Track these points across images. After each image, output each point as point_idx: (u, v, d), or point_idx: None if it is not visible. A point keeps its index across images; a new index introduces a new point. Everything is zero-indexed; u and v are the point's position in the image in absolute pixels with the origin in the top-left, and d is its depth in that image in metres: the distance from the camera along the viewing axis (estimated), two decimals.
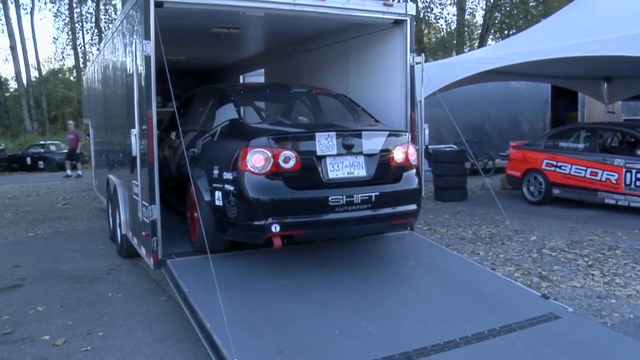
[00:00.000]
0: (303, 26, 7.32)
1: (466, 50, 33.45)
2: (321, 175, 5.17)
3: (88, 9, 41.61)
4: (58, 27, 53.31)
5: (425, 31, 37.87)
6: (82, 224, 10.44)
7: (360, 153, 5.35)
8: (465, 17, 37.41)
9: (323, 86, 7.42)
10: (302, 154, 5.12)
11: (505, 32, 34.76)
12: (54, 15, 40.95)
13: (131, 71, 5.84)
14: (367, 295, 4.98)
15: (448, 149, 13.57)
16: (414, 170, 5.76)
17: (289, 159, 5.04)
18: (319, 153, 5.17)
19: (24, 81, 39.02)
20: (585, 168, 10.80)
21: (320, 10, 5.96)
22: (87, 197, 14.39)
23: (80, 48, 42.05)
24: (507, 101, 18.02)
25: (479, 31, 38.31)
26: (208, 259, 5.43)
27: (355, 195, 5.16)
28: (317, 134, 5.24)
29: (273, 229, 4.94)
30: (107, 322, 5.16)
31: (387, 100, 6.68)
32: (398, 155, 5.57)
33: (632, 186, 10.08)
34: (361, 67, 7.36)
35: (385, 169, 5.48)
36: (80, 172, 20.39)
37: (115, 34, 7.17)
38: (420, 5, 34.28)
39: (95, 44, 40.36)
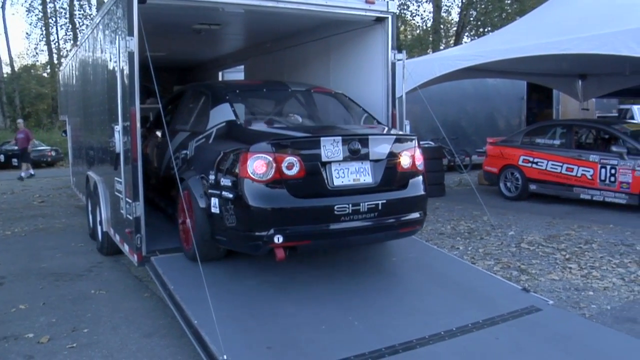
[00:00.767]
0: (284, 23, 7.34)
1: (442, 48, 33.68)
2: (326, 183, 4.89)
3: (62, 4, 40.98)
4: (31, 23, 52.27)
5: (402, 28, 38.06)
6: (60, 221, 10.35)
7: (367, 159, 5.09)
8: (441, 14, 37.66)
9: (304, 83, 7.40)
10: (307, 160, 4.81)
11: (481, 29, 35.07)
12: (26, 10, 40.15)
13: (113, 67, 5.83)
14: (353, 290, 5.03)
15: (426, 145, 13.69)
16: (421, 176, 5.50)
17: (292, 165, 4.74)
18: (324, 159, 4.87)
19: None
20: (561, 164, 10.99)
21: (302, 8, 5.98)
22: (64, 194, 14.26)
23: (54, 44, 41.47)
24: (484, 98, 18.21)
25: (455, 29, 38.56)
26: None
27: (361, 204, 4.89)
28: (322, 138, 4.93)
29: (276, 240, 4.66)
30: (91, 319, 5.14)
31: (369, 97, 6.73)
32: (405, 160, 5.32)
33: (607, 182, 10.29)
34: (342, 64, 7.40)
35: (391, 175, 5.23)
36: (31, 172, 19.74)
37: (95, 30, 7.12)
38: (397, 2, 34.38)
39: (70, 40, 39.86)
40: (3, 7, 39.92)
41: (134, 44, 5.16)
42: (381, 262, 5.85)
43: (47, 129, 35.38)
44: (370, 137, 5.20)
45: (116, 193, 6.10)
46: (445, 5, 38.06)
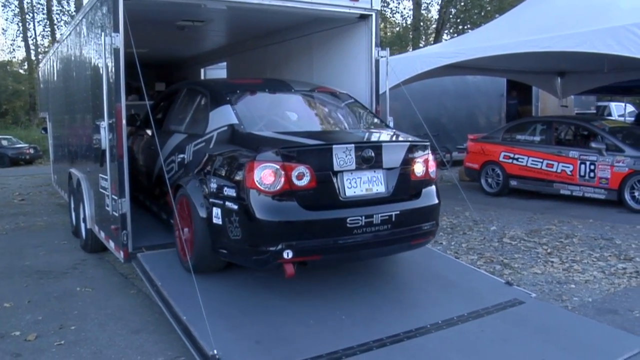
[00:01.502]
0: (267, 20, 7.34)
1: (422, 45, 33.87)
2: (338, 193, 4.58)
3: None
4: (7, 18, 51.79)
5: (382, 25, 38.14)
6: (41, 219, 10.27)
7: (379, 167, 4.78)
8: (421, 11, 37.80)
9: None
10: (318, 170, 4.49)
11: (461, 27, 35.28)
12: (2, 5, 39.60)
13: (98, 64, 5.81)
14: (340, 285, 5.08)
15: None
16: (434, 185, 5.23)
17: (302, 175, 4.42)
18: (336, 168, 4.55)
19: None
20: (541, 160, 11.14)
21: (286, 5, 5.98)
22: (44, 192, 14.14)
23: (32, 40, 40.97)
24: (464, 95, 18.35)
25: (435, 26, 38.74)
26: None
27: (375, 215, 4.61)
28: (334, 146, 4.60)
29: (285, 256, 4.36)
30: (78, 316, 5.13)
31: (352, 94, 6.73)
32: (418, 168, 5.02)
33: (586, 177, 10.45)
34: (326, 61, 7.43)
35: (405, 184, 4.93)
36: None
37: (78, 26, 7.08)
38: None
39: (48, 36, 39.40)
40: None
41: (119, 40, 5.16)
42: None
43: (25, 127, 34.97)
44: (383, 144, 4.98)
45: (101, 190, 6.08)
46: (425, 2, 38.13)
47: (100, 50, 5.42)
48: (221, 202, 4.65)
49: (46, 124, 13.11)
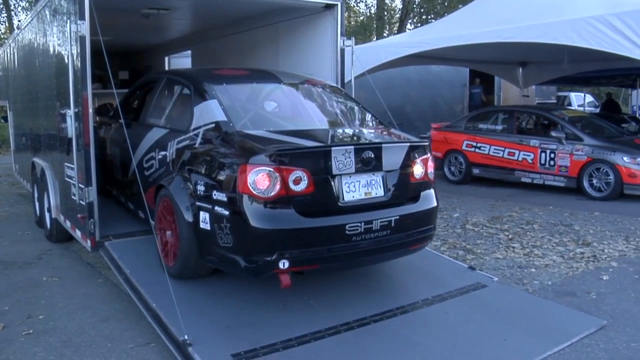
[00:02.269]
0: (233, 8, 7.36)
1: (386, 35, 34.02)
2: (336, 198, 4.32)
3: None
4: None
5: (346, 14, 38.17)
6: (3, 210, 10.10)
7: (379, 169, 4.53)
8: (385, 1, 37.94)
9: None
10: (316, 173, 4.22)
11: (424, 17, 35.50)
12: None
13: (62, 52, 5.76)
14: (308, 272, 5.14)
15: None
16: (432, 187, 5.02)
17: (300, 179, 4.13)
18: (334, 172, 4.28)
19: None
20: (503, 149, 11.38)
21: None
22: (4, 182, 13.87)
23: None
24: (427, 85, 18.54)
25: (399, 15, 38.92)
26: (147, 241, 5.50)
27: (374, 221, 4.36)
28: (333, 149, 4.33)
29: (280, 266, 4.09)
30: (45, 306, 5.11)
31: None
32: (418, 170, 4.79)
33: (547, 165, 10.72)
34: (292, 50, 7.47)
35: (404, 187, 4.71)
36: None
37: (41, 13, 6.98)
38: None
39: (4, 22, 38.44)
40: None
41: (85, 28, 5.12)
42: None
43: None
44: (383, 145, 4.68)
45: (67, 179, 6.03)
46: None
47: (65, 38, 5.37)
48: (209, 206, 4.36)
49: (6, 113, 12.86)
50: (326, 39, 6.81)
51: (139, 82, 7.14)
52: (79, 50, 5.18)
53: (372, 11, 38.67)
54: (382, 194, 4.55)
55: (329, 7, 6.64)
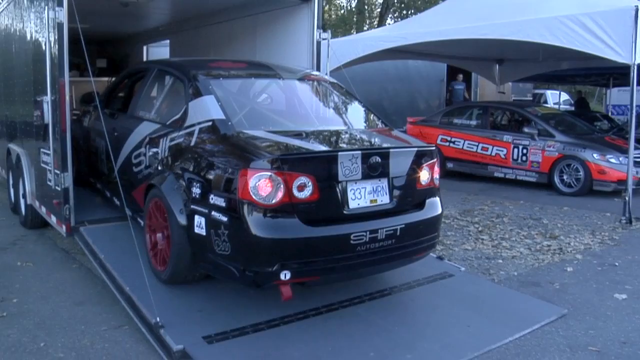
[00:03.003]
0: None
1: (366, 28, 34.11)
2: (341, 206, 4.09)
3: None
4: None
5: (326, 7, 38.20)
6: None
7: (385, 175, 4.30)
8: None
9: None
10: (321, 180, 3.98)
11: (405, 12, 35.64)
12: None
13: (39, 38, 5.78)
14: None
15: None
16: (438, 193, 4.82)
17: (304, 186, 3.88)
18: (340, 178, 4.04)
19: None
20: (477, 143, 11.58)
21: None
22: None
23: None
24: (405, 79, 18.68)
25: (379, 10, 39.02)
26: (121, 227, 5.56)
27: (379, 230, 4.13)
28: (340, 154, 4.10)
29: (282, 277, 3.85)
30: (20, 290, 5.14)
31: None
32: (424, 176, 4.56)
33: (519, 161, 10.94)
34: (269, 42, 7.55)
35: (410, 194, 4.50)
36: None
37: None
38: None
39: None
40: None
41: (63, 14, 5.15)
42: None
43: None
44: (391, 150, 4.43)
45: (43, 165, 6.07)
46: None
47: (43, 25, 5.40)
48: (205, 210, 4.10)
49: None
50: (303, 31, 6.91)
51: (127, 71, 6.86)
52: (56, 37, 5.21)
53: (353, 5, 38.74)
54: (388, 201, 4.33)
55: (306, 0, 6.72)
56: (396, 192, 4.38)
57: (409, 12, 33.98)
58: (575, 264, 6.14)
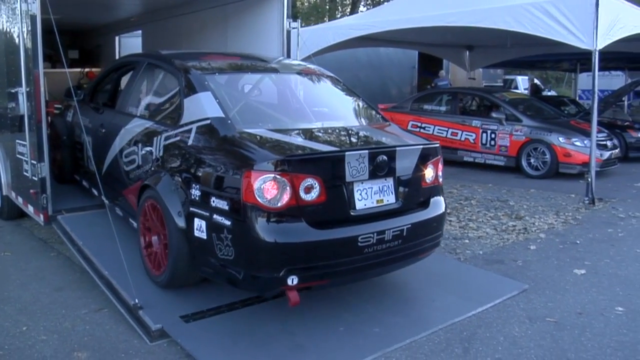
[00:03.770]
0: None
1: (338, 16, 34.22)
2: (348, 207, 3.97)
3: None
4: None
5: None
6: None
7: (391, 175, 4.19)
8: None
9: (200, 49, 7.44)
10: (328, 181, 3.85)
11: None
12: None
13: (12, 30, 5.83)
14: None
15: None
16: (441, 190, 4.76)
17: (311, 188, 3.75)
18: (348, 179, 3.93)
19: None
20: (446, 129, 11.85)
21: None
22: None
23: None
24: (377, 66, 18.87)
25: None
26: (98, 214, 5.68)
27: (387, 231, 4.04)
28: (347, 153, 3.95)
29: (289, 282, 3.73)
30: None
31: None
32: (429, 174, 4.48)
33: (488, 145, 11.23)
34: (240, 32, 7.67)
35: (415, 193, 4.41)
36: None
37: None
38: None
39: None
40: None
41: (36, 6, 5.22)
42: None
43: None
44: (397, 149, 4.27)
45: (18, 156, 6.14)
46: None
47: (16, 17, 5.46)
48: (207, 213, 3.94)
49: None
50: (273, 21, 7.04)
51: (114, 64, 6.66)
52: (29, 29, 5.28)
53: None
54: (394, 200, 4.22)
55: None
56: (402, 192, 4.28)
57: (381, 0, 34.14)
58: (539, 243, 6.41)
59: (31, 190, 5.73)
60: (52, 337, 4.01)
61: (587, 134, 10.27)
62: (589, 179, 8.40)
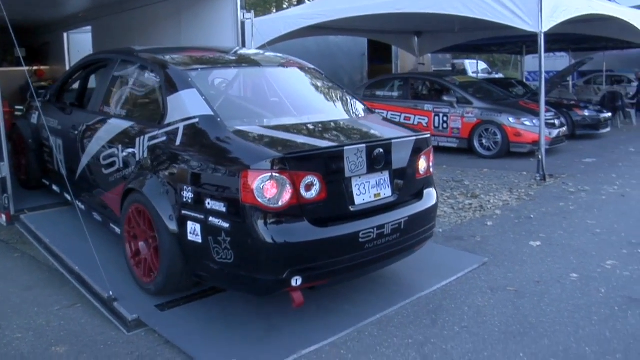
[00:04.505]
0: None
1: (285, 7, 34.21)
2: (347, 203, 3.92)
3: None
4: None
5: None
6: None
7: (387, 168, 4.14)
8: None
9: (153, 44, 7.37)
10: (328, 177, 3.77)
11: None
12: None
13: None
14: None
15: None
16: (433, 182, 4.74)
17: (311, 185, 3.66)
18: (347, 174, 3.86)
19: None
20: (399, 114, 12.06)
21: None
22: None
23: None
24: (327, 55, 18.93)
25: None
26: (62, 212, 5.67)
27: (386, 225, 4.00)
28: (346, 148, 3.87)
29: (293, 283, 3.63)
30: None
31: None
32: (422, 165, 4.45)
33: (440, 128, 11.51)
34: (194, 24, 7.70)
35: (409, 185, 4.37)
36: None
37: None
38: None
39: None
40: None
41: None
42: None
43: None
44: (393, 141, 4.21)
45: None
46: None
47: None
48: (201, 216, 3.79)
49: None
50: (227, 12, 7.12)
51: (81, 62, 6.33)
52: None
53: None
54: (390, 193, 4.19)
55: None
56: (397, 184, 4.25)
57: None
58: (495, 219, 6.66)
59: None
60: (28, 335, 4.02)
61: (535, 113, 10.63)
62: (540, 157, 8.72)
